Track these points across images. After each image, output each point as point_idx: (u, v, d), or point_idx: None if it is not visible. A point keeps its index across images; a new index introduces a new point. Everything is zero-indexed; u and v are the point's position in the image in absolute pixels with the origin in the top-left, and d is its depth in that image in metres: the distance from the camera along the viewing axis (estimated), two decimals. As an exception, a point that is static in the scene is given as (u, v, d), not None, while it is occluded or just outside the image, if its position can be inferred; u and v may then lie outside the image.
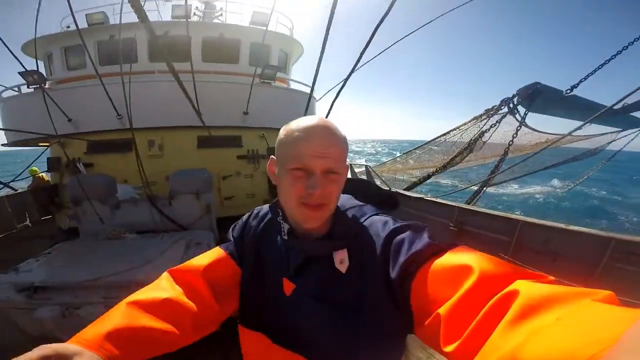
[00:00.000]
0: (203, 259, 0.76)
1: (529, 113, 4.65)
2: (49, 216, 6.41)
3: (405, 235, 0.59)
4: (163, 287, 0.69)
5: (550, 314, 0.32)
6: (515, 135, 4.68)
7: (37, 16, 4.31)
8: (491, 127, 4.97)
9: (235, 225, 0.86)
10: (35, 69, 5.32)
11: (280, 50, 7.32)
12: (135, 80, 4.45)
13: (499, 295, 0.39)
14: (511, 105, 4.59)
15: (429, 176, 5.69)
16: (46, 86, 5.57)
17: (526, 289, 0.37)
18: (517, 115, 4.69)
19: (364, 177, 6.34)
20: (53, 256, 3.07)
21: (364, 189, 0.81)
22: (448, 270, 0.49)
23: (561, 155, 5.97)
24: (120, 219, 4.05)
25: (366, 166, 6.36)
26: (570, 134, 4.15)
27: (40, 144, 7.13)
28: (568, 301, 0.33)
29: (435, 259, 0.52)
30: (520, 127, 4.55)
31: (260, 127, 6.03)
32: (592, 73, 4.18)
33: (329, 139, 0.62)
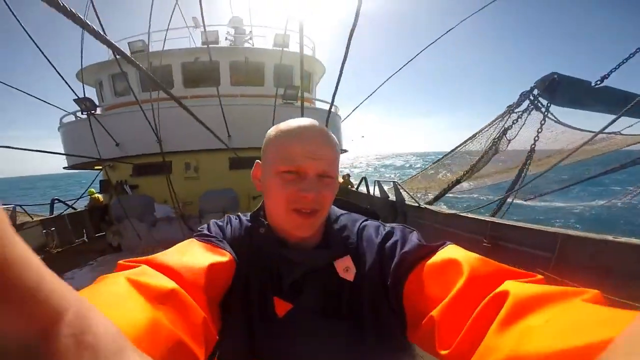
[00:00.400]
0: (200, 256, 0.51)
1: (559, 108, 4.40)
2: (102, 233, 7.07)
3: (396, 238, 0.58)
4: (128, 307, 0.35)
5: (541, 315, 0.32)
6: (540, 130, 4.29)
7: (81, 46, 4.89)
8: (513, 123, 4.64)
9: (207, 227, 0.65)
10: (90, 93, 6.01)
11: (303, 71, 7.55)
12: (171, 105, 4.84)
13: (489, 296, 0.39)
14: (531, 97, 4.28)
15: (457, 182, 5.42)
16: (97, 112, 6.24)
17: (516, 289, 0.37)
18: (542, 109, 4.38)
19: (392, 194, 6.20)
20: (94, 267, 3.41)
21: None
22: (439, 271, 0.48)
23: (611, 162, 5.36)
24: (156, 235, 4.40)
25: (394, 182, 6.20)
26: (615, 131, 3.74)
27: (96, 167, 7.96)
28: (558, 301, 0.33)
29: (426, 260, 0.50)
30: (545, 120, 4.19)
31: None
32: (624, 61, 3.81)
33: (323, 140, 0.58)
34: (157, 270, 0.43)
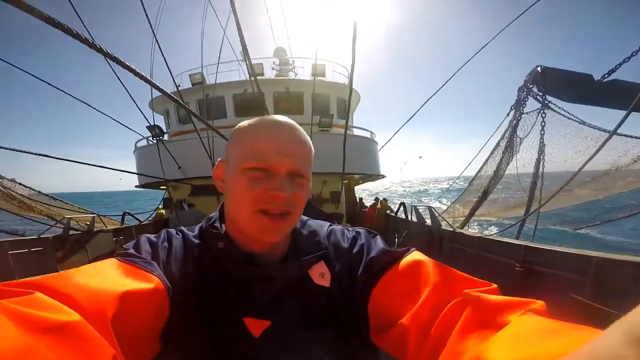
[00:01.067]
0: (113, 281, 0.42)
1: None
2: (164, 245, 8.02)
3: (362, 242, 0.58)
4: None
5: (497, 323, 0.34)
6: (544, 115, 4.45)
7: (151, 74, 5.89)
8: (520, 116, 4.74)
9: (136, 243, 0.54)
10: (159, 120, 7.07)
11: (338, 98, 8.03)
12: (224, 133, 5.58)
13: (450, 304, 0.40)
14: (525, 90, 4.46)
15: (484, 196, 5.36)
16: (164, 138, 7.27)
17: (473, 298, 0.38)
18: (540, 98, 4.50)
19: (428, 219, 6.18)
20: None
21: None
22: (405, 279, 0.49)
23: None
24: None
25: (429, 207, 6.18)
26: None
27: (161, 187, 9.12)
28: (511, 310, 0.35)
29: (393, 267, 0.51)
30: (544, 110, 4.40)
31: (322, 172, 6.56)
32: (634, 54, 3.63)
33: (296, 136, 0.53)
34: (53, 298, 0.34)
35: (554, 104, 4.53)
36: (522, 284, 3.52)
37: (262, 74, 8.21)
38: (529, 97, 4.53)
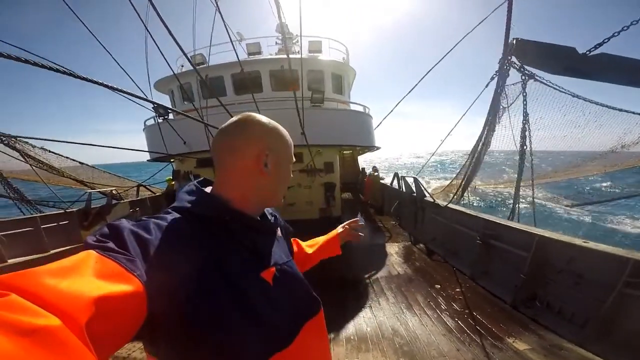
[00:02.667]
0: (88, 282, 0.40)
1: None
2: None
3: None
4: None
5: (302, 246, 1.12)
6: (524, 92, 4.50)
7: (147, 63, 6.24)
8: (502, 86, 4.71)
9: (118, 232, 0.51)
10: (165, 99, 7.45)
11: (333, 75, 8.20)
12: (219, 111, 5.98)
13: (301, 244, 1.14)
14: (506, 62, 4.49)
15: (475, 163, 5.43)
16: (170, 116, 7.72)
17: (300, 244, 1.14)
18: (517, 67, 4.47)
19: (413, 186, 6.57)
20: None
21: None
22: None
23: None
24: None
25: (414, 178, 6.58)
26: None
27: (171, 160, 9.73)
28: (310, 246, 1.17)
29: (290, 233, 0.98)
30: (526, 78, 4.41)
31: (317, 145, 6.96)
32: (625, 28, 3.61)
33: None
34: (26, 299, 0.32)
35: (540, 77, 4.50)
36: (484, 257, 3.97)
37: (259, 53, 8.34)
38: (510, 67, 4.58)
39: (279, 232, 0.80)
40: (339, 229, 1.22)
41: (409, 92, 7.05)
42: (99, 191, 7.52)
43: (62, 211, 5.61)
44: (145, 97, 3.16)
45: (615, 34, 3.99)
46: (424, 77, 6.71)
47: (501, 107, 5.00)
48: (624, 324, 2.34)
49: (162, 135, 6.90)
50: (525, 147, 4.83)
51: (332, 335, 2.95)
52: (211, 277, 0.54)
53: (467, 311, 3.25)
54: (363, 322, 3.20)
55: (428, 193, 5.99)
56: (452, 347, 2.65)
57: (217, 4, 3.88)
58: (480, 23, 5.46)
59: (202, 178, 0.78)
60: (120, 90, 2.45)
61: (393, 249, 5.74)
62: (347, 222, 1.24)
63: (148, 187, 10.01)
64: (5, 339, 0.27)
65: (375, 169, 11.59)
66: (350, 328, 3.09)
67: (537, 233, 3.25)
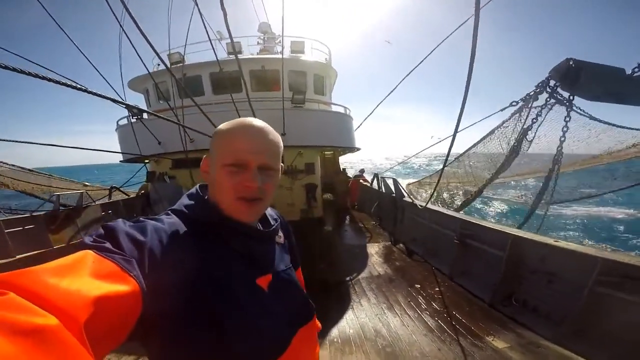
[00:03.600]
0: (86, 282, 0.40)
1: (584, 101, 3.58)
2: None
3: (282, 218, 0.89)
4: None
5: None
6: (566, 129, 3.65)
7: (120, 61, 5.99)
8: (533, 122, 4.05)
9: (113, 231, 0.51)
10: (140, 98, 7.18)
11: (315, 76, 8.22)
12: (194, 112, 5.83)
13: None
14: (548, 89, 3.61)
15: (479, 191, 5.42)
16: (144, 116, 7.44)
17: None
18: (565, 102, 3.65)
19: (392, 187, 6.67)
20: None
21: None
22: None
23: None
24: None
25: (394, 179, 6.70)
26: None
27: (145, 161, 9.37)
28: None
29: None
30: (569, 116, 3.58)
31: (297, 146, 6.93)
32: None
33: (265, 136, 0.65)
34: (25, 298, 0.32)
35: (580, 108, 3.79)
36: (462, 257, 4.06)
37: (240, 52, 8.19)
38: (550, 97, 3.75)
39: (281, 238, 0.80)
40: None
41: (385, 97, 7.19)
42: (68, 193, 7.10)
43: (27, 215, 5.25)
44: (120, 98, 3.02)
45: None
46: (399, 83, 6.86)
47: (527, 142, 4.27)
48: (598, 321, 2.43)
49: (135, 136, 6.65)
50: (554, 172, 4.22)
51: (315, 339, 2.91)
52: (204, 281, 0.55)
53: (446, 310, 3.31)
54: (346, 324, 3.20)
55: (407, 193, 6.12)
56: (433, 347, 2.69)
57: (195, 2, 3.77)
58: (445, 39, 5.51)
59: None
60: (88, 91, 2.33)
61: (374, 249, 5.79)
62: None
63: (121, 189, 9.57)
64: (3, 338, 0.27)
65: (362, 171, 11.61)
66: (334, 331, 3.08)
67: (512, 233, 3.36)
